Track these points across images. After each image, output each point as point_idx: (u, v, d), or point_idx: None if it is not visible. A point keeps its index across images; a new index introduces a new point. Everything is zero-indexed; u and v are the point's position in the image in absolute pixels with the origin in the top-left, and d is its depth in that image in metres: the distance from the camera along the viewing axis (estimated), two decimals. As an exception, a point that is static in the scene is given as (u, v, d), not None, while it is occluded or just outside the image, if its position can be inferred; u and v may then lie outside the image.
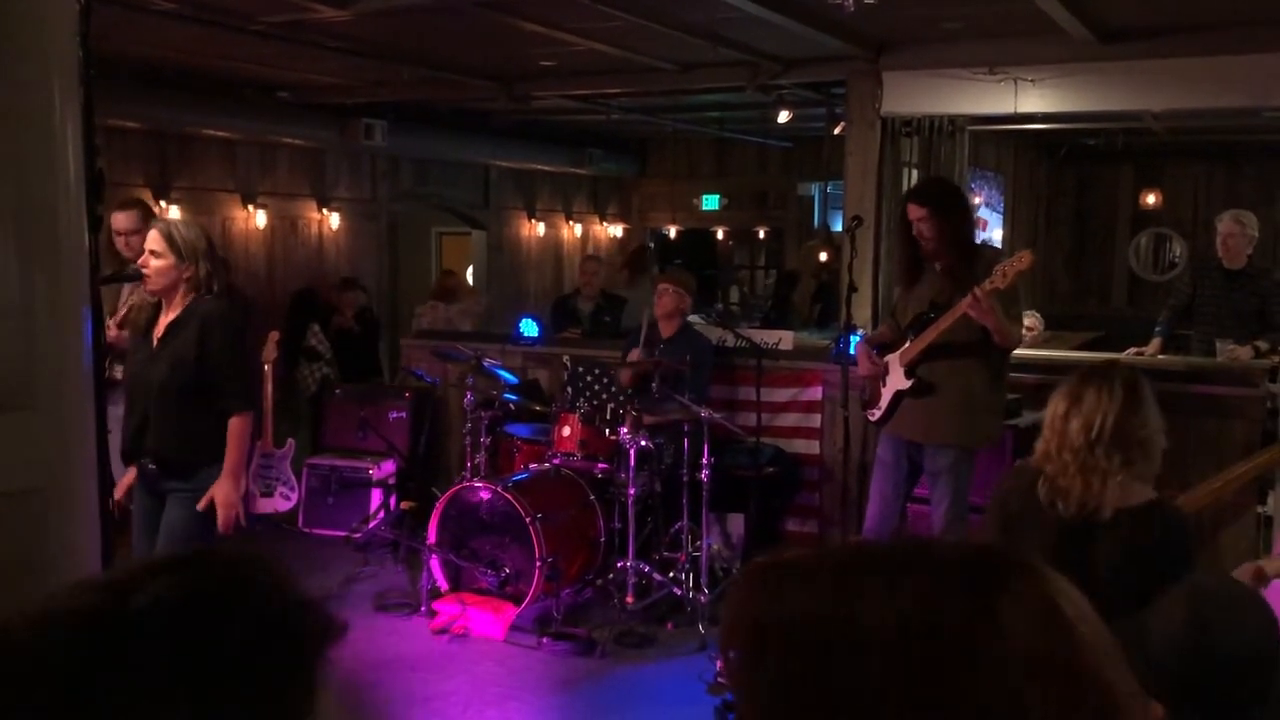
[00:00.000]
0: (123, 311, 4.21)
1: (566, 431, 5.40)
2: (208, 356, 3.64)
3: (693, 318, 6.22)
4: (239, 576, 0.78)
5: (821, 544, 0.78)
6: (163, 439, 3.67)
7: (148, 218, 4.76)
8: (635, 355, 5.70)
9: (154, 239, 3.66)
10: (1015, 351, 4.60)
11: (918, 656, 0.68)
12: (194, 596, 0.75)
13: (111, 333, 3.96)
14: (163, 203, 7.53)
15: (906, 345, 4.47)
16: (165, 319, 3.72)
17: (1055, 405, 2.69)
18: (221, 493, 3.65)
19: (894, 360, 4.51)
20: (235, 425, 3.69)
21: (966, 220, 4.66)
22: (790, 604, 0.74)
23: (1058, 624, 0.71)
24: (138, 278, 3.72)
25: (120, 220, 4.79)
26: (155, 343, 3.72)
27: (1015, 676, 0.68)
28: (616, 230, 12.51)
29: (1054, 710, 0.68)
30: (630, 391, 5.57)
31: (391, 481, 6.63)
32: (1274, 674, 1.81)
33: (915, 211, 4.43)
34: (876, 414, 4.62)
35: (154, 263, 3.64)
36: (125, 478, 3.79)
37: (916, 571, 0.72)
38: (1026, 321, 7.17)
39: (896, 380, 4.50)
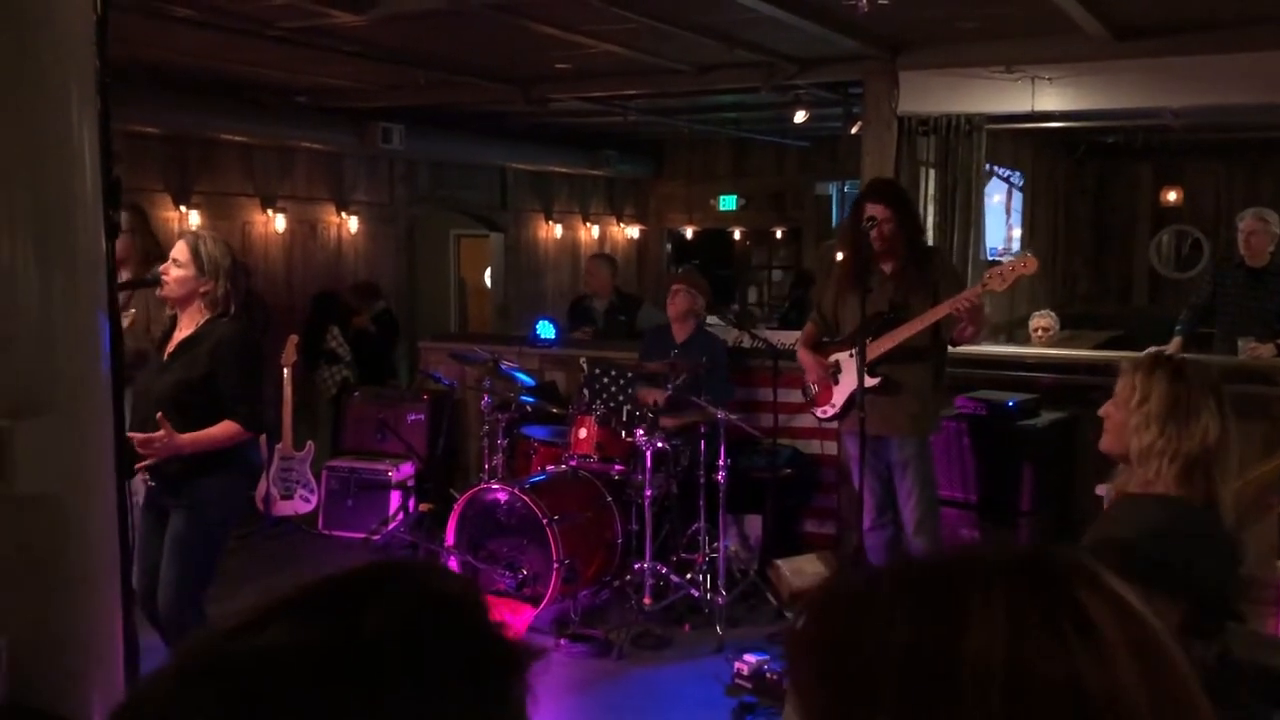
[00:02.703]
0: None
1: (583, 433, 5.41)
2: (217, 380, 3.61)
3: (712, 319, 6.22)
4: (448, 597, 0.72)
5: (872, 576, 0.77)
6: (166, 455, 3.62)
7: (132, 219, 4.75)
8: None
9: (180, 248, 3.66)
10: (1032, 351, 4.64)
11: (1020, 663, 0.67)
12: (417, 621, 0.69)
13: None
14: (183, 207, 7.59)
15: (868, 343, 4.54)
16: (179, 335, 3.72)
17: (1216, 421, 2.28)
18: (162, 437, 3.46)
19: (846, 359, 4.59)
20: (229, 425, 3.60)
21: (919, 221, 4.88)
22: (882, 627, 0.71)
23: (1130, 609, 0.72)
24: (155, 284, 3.74)
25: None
26: (165, 357, 3.71)
27: (1114, 664, 0.68)
28: (633, 231, 12.53)
29: (1152, 691, 0.68)
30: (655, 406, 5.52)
31: (410, 483, 6.66)
32: (1233, 582, 1.84)
33: (880, 211, 4.49)
34: (830, 410, 4.73)
35: (174, 271, 3.64)
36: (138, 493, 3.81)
37: (998, 580, 0.71)
38: (1042, 322, 7.16)
39: (853, 378, 4.54)
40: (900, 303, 4.53)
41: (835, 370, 4.69)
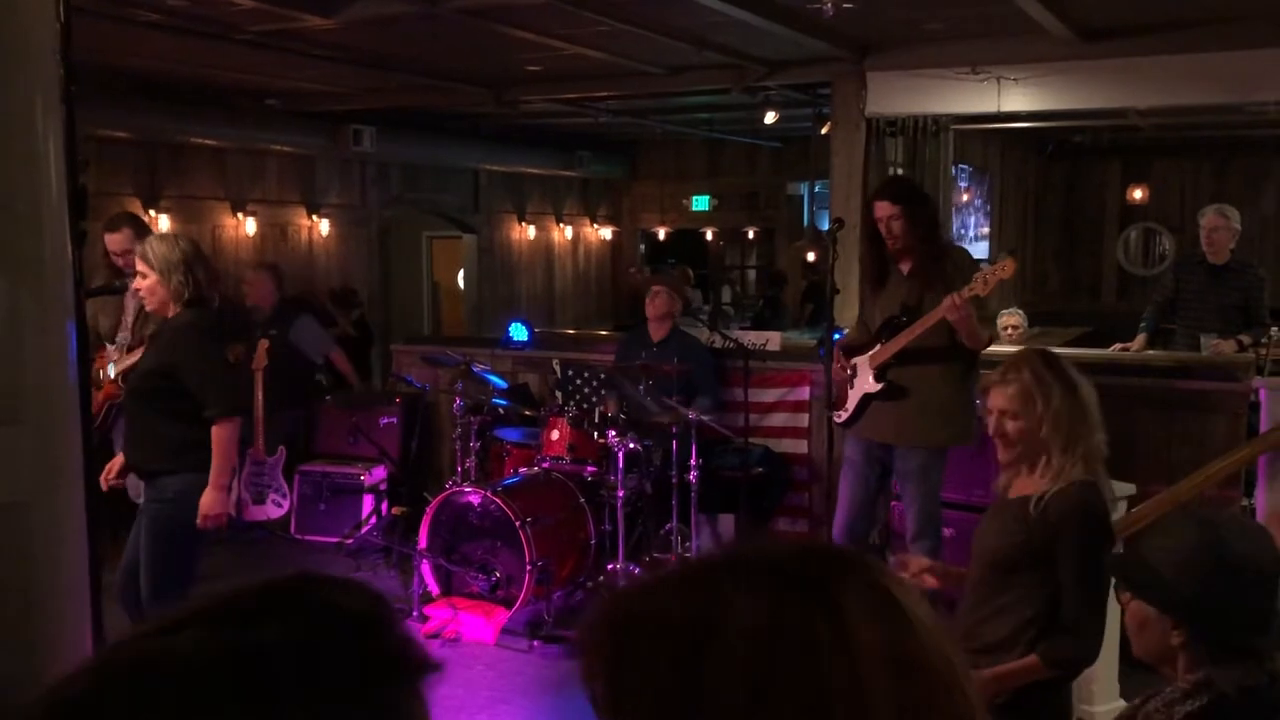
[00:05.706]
0: (128, 362, 4.19)
1: (555, 435, 5.43)
2: (177, 367, 3.67)
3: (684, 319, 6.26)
4: (348, 611, 0.74)
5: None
6: (132, 447, 3.77)
7: (139, 232, 4.78)
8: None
9: (137, 261, 3.73)
10: (1001, 349, 4.62)
11: (771, 654, 0.71)
12: (312, 635, 0.71)
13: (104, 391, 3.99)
14: (152, 211, 7.55)
15: (877, 349, 4.46)
16: None
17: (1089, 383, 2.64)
18: (205, 501, 3.69)
19: (863, 363, 4.52)
20: (217, 433, 3.69)
21: (935, 220, 4.67)
22: (658, 607, 0.76)
23: (895, 612, 0.74)
24: (123, 290, 3.76)
25: (113, 242, 4.80)
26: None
27: (861, 664, 0.71)
28: (607, 233, 12.56)
29: (898, 694, 0.71)
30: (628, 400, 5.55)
31: (383, 487, 6.65)
32: (1275, 605, 1.83)
33: (887, 209, 4.39)
34: (844, 415, 4.62)
35: (144, 283, 3.71)
36: (115, 460, 3.88)
37: (763, 575, 0.75)
38: (1010, 320, 7.22)
39: (865, 383, 4.50)
40: (914, 304, 4.38)
41: (853, 375, 4.57)
